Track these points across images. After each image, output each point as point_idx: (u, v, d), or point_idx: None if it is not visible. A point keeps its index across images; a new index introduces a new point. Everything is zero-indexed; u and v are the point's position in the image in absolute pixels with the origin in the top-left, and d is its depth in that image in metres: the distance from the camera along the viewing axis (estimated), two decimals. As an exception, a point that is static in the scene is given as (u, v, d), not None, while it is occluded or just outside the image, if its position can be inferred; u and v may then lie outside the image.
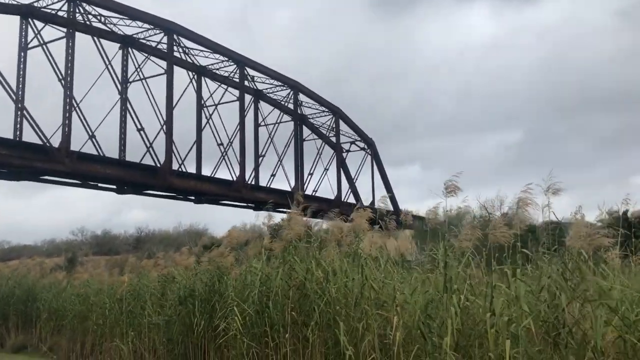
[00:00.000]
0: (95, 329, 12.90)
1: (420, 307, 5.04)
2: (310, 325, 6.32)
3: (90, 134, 27.37)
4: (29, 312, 16.75)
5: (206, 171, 33.61)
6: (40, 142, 24.64)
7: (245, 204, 37.14)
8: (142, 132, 29.00)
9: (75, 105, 26.67)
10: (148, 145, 29.20)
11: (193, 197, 34.49)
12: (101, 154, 27.73)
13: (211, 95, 34.03)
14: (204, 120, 33.38)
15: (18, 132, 24.72)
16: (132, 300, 11.91)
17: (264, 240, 7.56)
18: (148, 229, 57.55)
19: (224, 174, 34.01)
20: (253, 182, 35.86)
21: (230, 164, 33.78)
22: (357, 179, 42.13)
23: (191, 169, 32.19)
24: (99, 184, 29.71)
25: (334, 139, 40.50)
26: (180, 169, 31.07)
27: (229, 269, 8.84)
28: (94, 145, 27.35)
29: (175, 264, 13.45)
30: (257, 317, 6.98)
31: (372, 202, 37.79)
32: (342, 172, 40.69)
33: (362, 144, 42.30)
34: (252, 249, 8.49)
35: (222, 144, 33.43)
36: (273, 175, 38.39)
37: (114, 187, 30.69)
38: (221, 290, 8.93)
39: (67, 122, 25.78)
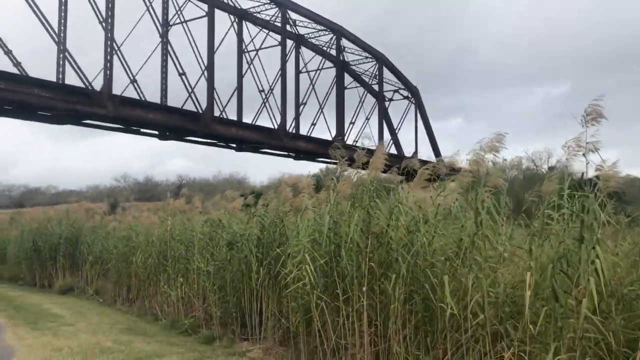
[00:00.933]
0: (141, 273, 12.36)
1: (551, 261, 4.05)
2: (392, 278, 5.41)
3: (132, 78, 26.61)
4: (76, 255, 16.45)
5: (247, 119, 32.74)
6: (82, 86, 24.05)
7: (285, 153, 36.31)
8: (183, 77, 28.10)
9: (117, 49, 25.87)
10: (190, 90, 28.37)
11: (234, 145, 33.79)
12: (143, 99, 27.05)
13: (252, 40, 32.79)
14: (244, 66, 32.28)
15: (61, 76, 24.10)
16: (179, 244, 11.24)
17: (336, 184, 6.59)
18: (189, 177, 57.67)
19: (264, 121, 33.13)
20: (294, 131, 34.88)
21: (271, 111, 32.78)
22: (399, 129, 40.74)
23: (232, 116, 31.37)
24: (141, 130, 29.20)
25: (376, 87, 38.98)
26: (221, 116, 30.26)
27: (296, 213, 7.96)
28: (136, 89, 26.62)
29: (222, 208, 12.69)
30: (326, 266, 6.11)
31: (415, 154, 36.51)
32: (384, 121, 39.34)
33: (405, 93, 40.62)
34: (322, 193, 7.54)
35: (263, 90, 32.37)
36: (313, 124, 37.29)
37: (156, 132, 30.18)
38: (286, 235, 8.09)
39: (108, 65, 25.10)
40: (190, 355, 7.63)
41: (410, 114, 40.97)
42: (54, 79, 23.79)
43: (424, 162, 6.94)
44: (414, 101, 41.03)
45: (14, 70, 21.85)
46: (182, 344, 8.59)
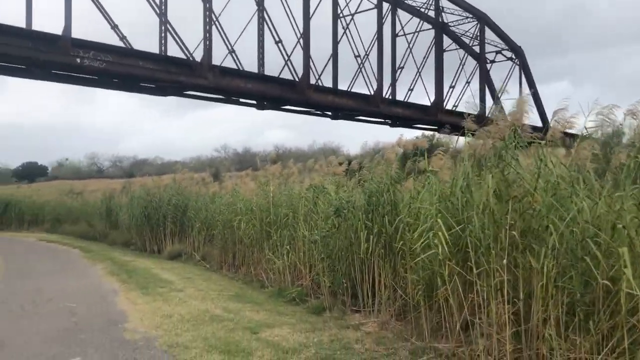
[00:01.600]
0: (245, 240, 12.16)
1: None
2: (542, 250, 4.56)
3: (230, 48, 26.64)
4: (183, 222, 16.70)
5: (342, 86, 32.02)
6: (184, 57, 24.35)
7: (382, 120, 35.36)
8: (280, 44, 27.74)
9: (215, 20, 25.92)
10: (286, 58, 28.03)
11: (330, 113, 33.30)
12: (241, 69, 27.05)
13: (347, 5, 31.83)
14: (340, 32, 31.43)
15: (163, 48, 24.51)
16: (282, 209, 10.86)
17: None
18: (284, 147, 58.15)
19: (360, 88, 32.33)
20: (390, 97, 33.77)
21: (368, 77, 31.84)
22: (502, 93, 38.34)
23: (327, 83, 30.77)
24: (240, 100, 29.37)
25: (477, 49, 36.81)
26: (317, 83, 29.76)
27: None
28: (234, 60, 26.66)
29: (322, 174, 12.14)
30: (459, 235, 5.35)
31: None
32: (485, 85, 37.18)
33: (509, 54, 38.10)
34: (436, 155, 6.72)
35: (359, 56, 31.45)
36: (411, 89, 35.95)
37: (254, 102, 30.26)
38: (393, 202, 7.42)
39: (207, 35, 25.24)
40: (301, 327, 7.19)
41: (513, 76, 38.50)
42: (157, 51, 24.31)
43: (533, 128, 5.93)
44: (518, 62, 38.41)
45: (120, 44, 22.51)
46: (291, 314, 8.20)
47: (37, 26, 20.56)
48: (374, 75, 32.17)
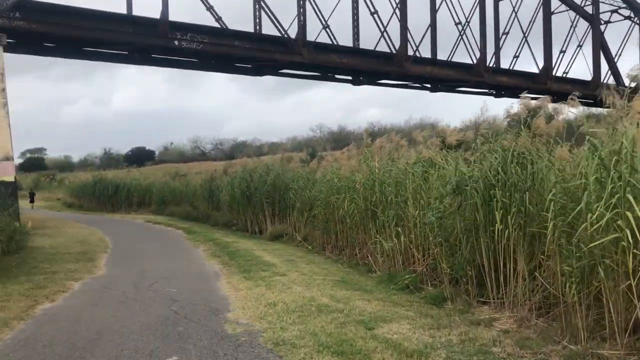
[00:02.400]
0: (349, 220, 11.25)
1: None
2: None
3: (324, 23, 25.68)
4: (284, 202, 16.14)
5: (441, 57, 30.12)
6: (278, 35, 23.75)
7: (485, 90, 33.13)
8: (375, 15, 26.41)
9: (308, -6, 25.06)
10: (382, 30, 26.67)
11: (429, 85, 31.60)
12: (335, 44, 26.07)
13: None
14: (437, 0, 29.50)
15: (257, 27, 24.02)
16: (388, 186, 9.80)
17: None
18: (380, 124, 56.79)
19: (460, 58, 30.27)
20: (494, 66, 31.41)
21: (470, 46, 29.75)
22: (619, 57, 34.66)
23: (425, 54, 29.04)
24: (336, 76, 28.44)
25: (589, 10, 33.37)
26: (415, 55, 28.18)
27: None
28: (328, 35, 25.71)
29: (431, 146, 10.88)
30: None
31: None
32: (600, 49, 33.70)
33: (626, 12, 34.25)
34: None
35: (459, 23, 29.38)
36: (516, 56, 33.36)
37: (350, 78, 29.24)
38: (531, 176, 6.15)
39: (301, 11, 24.45)
40: (423, 322, 6.14)
41: (632, 38, 34.61)
42: (251, 31, 23.88)
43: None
44: (637, 21, 34.46)
45: (216, 25, 22.24)
46: (407, 304, 7.18)
47: (136, 12, 20.74)
48: (476, 43, 30.05)
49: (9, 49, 18.15)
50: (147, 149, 79.40)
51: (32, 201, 37.14)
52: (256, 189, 17.66)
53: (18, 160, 78.77)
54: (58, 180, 47.55)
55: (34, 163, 74.49)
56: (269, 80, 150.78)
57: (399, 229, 9.14)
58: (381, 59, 27.39)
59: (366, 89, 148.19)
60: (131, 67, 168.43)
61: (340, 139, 58.65)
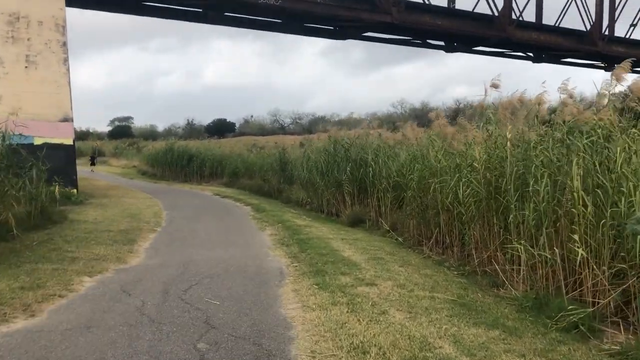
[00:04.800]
0: (462, 210, 8.05)
1: None
2: None
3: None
4: (364, 180, 13.10)
5: (546, 21, 25.70)
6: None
7: (595, 63, 28.43)
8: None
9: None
10: (484, -13, 22.77)
11: (532, 54, 27.33)
12: (429, 3, 22.45)
13: None
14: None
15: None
16: (539, 167, 6.47)
17: None
18: (466, 101, 52.20)
19: (569, 24, 25.74)
20: (606, 33, 26.60)
21: (585, 9, 25.20)
22: None
23: (529, 18, 24.79)
24: (427, 41, 24.82)
25: None
26: (519, 19, 24.05)
27: None
28: (421, -8, 22.16)
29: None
30: None
31: None
32: None
33: None
34: None
35: (574, -18, 24.83)
36: (633, 25, 28.34)
37: (442, 43, 25.53)
38: None
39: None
40: None
41: None
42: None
43: None
44: None
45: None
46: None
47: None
48: (585, 10, 25.40)
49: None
50: (227, 120, 78.54)
51: (93, 164, 36.52)
52: (333, 163, 14.72)
53: (107, 128, 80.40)
54: (137, 149, 46.84)
55: (120, 131, 75.39)
56: (358, 54, 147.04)
57: (551, 230, 5.88)
58: (481, 21, 23.50)
59: (455, 65, 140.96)
60: (226, 40, 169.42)
61: (422, 116, 54.56)
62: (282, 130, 72.81)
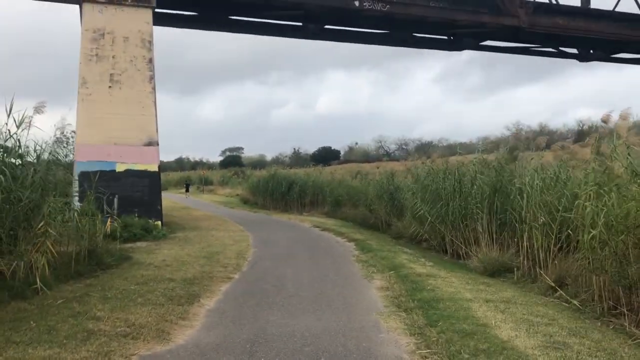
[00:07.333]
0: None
1: None
2: None
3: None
4: (503, 212, 9.60)
5: None
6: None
7: None
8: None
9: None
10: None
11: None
12: (557, 3, 18.54)
13: None
14: None
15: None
16: None
17: None
18: (590, 121, 45.99)
19: None
20: None
21: None
22: None
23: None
24: (560, 49, 20.71)
25: None
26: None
27: None
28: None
29: None
30: None
31: None
32: None
33: None
34: None
35: None
36: None
37: (575, 51, 21.26)
38: None
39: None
40: None
41: None
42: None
43: None
44: None
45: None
46: None
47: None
48: None
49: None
50: (332, 148, 76.79)
51: (187, 190, 40.00)
52: (456, 192, 11.34)
53: (219, 158, 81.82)
54: (244, 177, 45.79)
55: (230, 161, 76.06)
56: (475, 77, 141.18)
57: None
58: (625, 22, 19.11)
59: (580, 85, 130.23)
60: (340, 71, 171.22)
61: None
62: (387, 156, 69.72)
